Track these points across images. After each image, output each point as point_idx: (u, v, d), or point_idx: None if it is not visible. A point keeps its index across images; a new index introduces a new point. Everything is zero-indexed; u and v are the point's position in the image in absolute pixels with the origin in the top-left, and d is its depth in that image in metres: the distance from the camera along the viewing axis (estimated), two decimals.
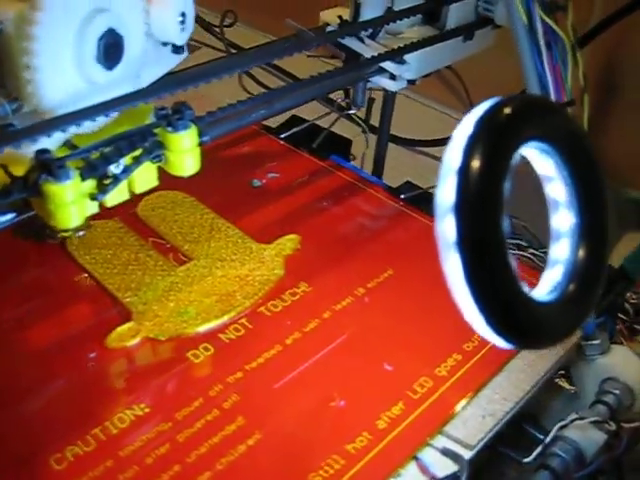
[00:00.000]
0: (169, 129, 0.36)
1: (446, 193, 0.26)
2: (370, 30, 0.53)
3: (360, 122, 0.62)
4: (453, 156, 0.27)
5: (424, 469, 0.37)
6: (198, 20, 1.10)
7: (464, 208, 0.26)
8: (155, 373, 0.41)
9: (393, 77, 0.53)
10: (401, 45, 0.51)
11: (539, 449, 0.41)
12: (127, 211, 0.50)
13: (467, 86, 0.92)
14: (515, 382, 0.42)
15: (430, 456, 0.38)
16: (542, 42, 0.46)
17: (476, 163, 0.26)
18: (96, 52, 0.35)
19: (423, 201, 0.53)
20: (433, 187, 0.57)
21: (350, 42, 0.54)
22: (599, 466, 0.43)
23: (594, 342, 0.47)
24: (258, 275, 0.46)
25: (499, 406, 0.40)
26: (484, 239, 0.26)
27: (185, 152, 0.36)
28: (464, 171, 0.26)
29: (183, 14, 0.39)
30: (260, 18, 1.08)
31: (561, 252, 0.31)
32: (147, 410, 0.38)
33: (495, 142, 0.27)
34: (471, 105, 0.50)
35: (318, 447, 0.37)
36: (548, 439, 0.42)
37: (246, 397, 0.39)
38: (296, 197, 0.53)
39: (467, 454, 0.38)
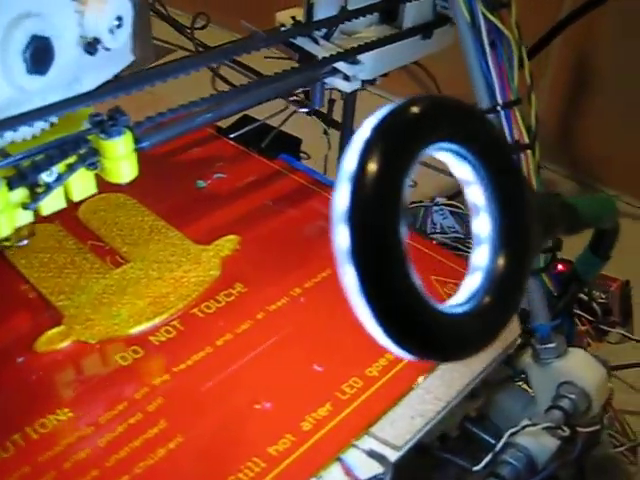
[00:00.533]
0: (102, 136, 0.35)
1: (340, 200, 0.24)
2: (324, 30, 0.52)
3: (321, 122, 0.62)
4: (348, 161, 0.25)
5: (347, 471, 0.36)
6: (172, 22, 1.10)
7: (356, 217, 0.24)
8: (82, 377, 0.40)
9: (347, 78, 0.52)
10: (355, 45, 0.50)
11: (489, 457, 0.40)
12: (68, 214, 0.50)
13: (439, 84, 0.91)
14: (448, 381, 0.41)
15: (355, 457, 0.37)
16: (486, 40, 0.45)
17: (370, 169, 0.24)
18: (23, 58, 0.33)
19: None
20: None
21: (304, 43, 0.52)
22: (551, 473, 0.42)
23: (549, 345, 0.45)
24: (193, 276, 0.46)
25: (430, 406, 0.40)
26: (378, 250, 0.24)
27: (120, 159, 0.36)
28: (357, 177, 0.24)
29: (119, 17, 0.38)
30: (233, 20, 1.07)
31: (481, 259, 0.29)
32: (70, 414, 0.38)
33: (393, 146, 0.25)
34: None
35: (239, 450, 0.37)
36: (498, 446, 0.41)
37: (171, 400, 0.39)
38: (240, 198, 0.52)
39: (393, 455, 0.37)
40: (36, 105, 0.35)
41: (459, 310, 0.28)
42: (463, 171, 0.28)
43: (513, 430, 0.41)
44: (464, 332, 0.28)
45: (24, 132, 0.35)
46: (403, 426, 0.38)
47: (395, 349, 0.26)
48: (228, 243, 0.48)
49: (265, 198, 0.53)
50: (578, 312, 0.59)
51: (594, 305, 0.62)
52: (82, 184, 0.36)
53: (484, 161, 0.28)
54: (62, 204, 0.36)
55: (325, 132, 0.62)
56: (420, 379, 0.41)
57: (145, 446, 0.37)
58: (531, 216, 0.29)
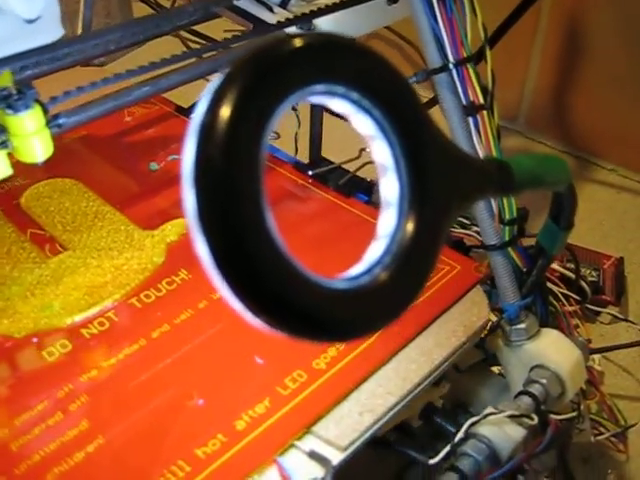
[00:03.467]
0: (8, 111, 0.32)
1: (185, 159, 0.20)
2: None
3: None
4: (196, 113, 0.20)
5: (284, 474, 0.33)
6: (153, 5, 1.06)
7: (201, 177, 0.20)
8: (1, 374, 0.37)
9: None
10: (310, 10, 0.46)
11: (447, 449, 0.37)
12: (10, 202, 0.47)
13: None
14: (403, 374, 0.37)
15: (293, 459, 0.33)
16: None
17: (219, 119, 0.20)
18: None
19: (334, 177, 0.49)
20: (346, 162, 0.53)
21: (258, 11, 0.49)
22: (516, 465, 0.38)
23: (519, 326, 0.42)
24: (135, 264, 0.42)
25: (381, 401, 0.36)
26: (230, 217, 0.20)
27: (29, 136, 0.32)
28: (203, 130, 0.20)
29: None
30: None
31: (386, 225, 0.24)
32: None
33: (247, 91, 0.20)
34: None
35: (163, 453, 0.33)
36: (457, 437, 0.37)
37: (96, 398, 0.35)
38: None
39: (337, 457, 0.33)
40: None
41: (347, 285, 0.22)
42: (362, 123, 0.24)
43: (474, 419, 0.38)
44: (343, 312, 0.22)
45: None
46: (349, 424, 0.35)
47: (264, 329, 0.22)
48: (175, 227, 0.44)
49: None
50: (565, 292, 0.56)
51: (583, 284, 0.60)
52: None
53: (384, 110, 0.23)
54: None
55: (293, 108, 0.58)
56: (371, 372, 0.37)
57: (61, 450, 0.33)
58: (447, 174, 0.25)
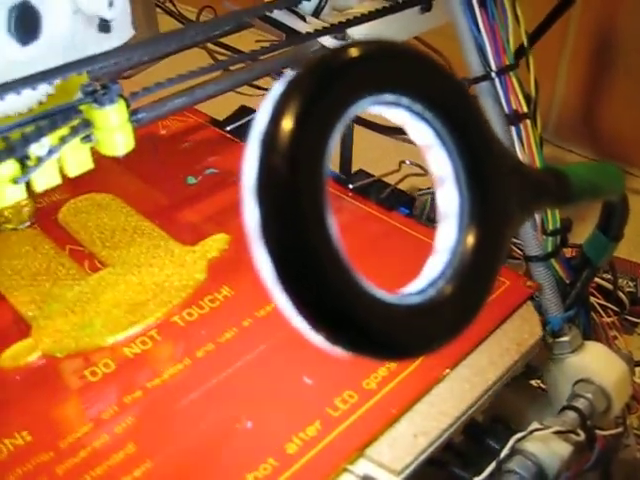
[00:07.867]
0: (94, 105, 0.33)
1: (248, 170, 0.19)
2: (314, 7, 0.48)
3: None
4: (258, 120, 0.20)
5: None
6: (178, 17, 1.05)
7: (265, 188, 0.19)
8: (45, 395, 0.36)
9: None
10: (343, 20, 0.45)
11: (492, 466, 0.36)
12: (48, 217, 0.46)
13: (454, 69, 0.86)
14: (458, 394, 0.36)
15: None
16: None
17: (285, 128, 0.19)
18: (7, 25, 0.31)
19: (374, 190, 0.48)
20: (386, 174, 0.52)
21: (291, 22, 0.48)
22: None
23: (563, 339, 0.42)
24: (176, 281, 0.41)
25: (435, 423, 0.34)
26: (295, 231, 0.19)
27: (113, 129, 0.33)
28: (267, 141, 0.19)
29: None
30: None
31: (446, 238, 0.23)
32: (29, 438, 0.34)
33: (314, 99, 0.20)
34: None
35: (213, 477, 0.32)
36: (503, 454, 0.36)
37: (142, 420, 0.35)
38: (232, 194, 0.48)
39: None
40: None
41: (411, 301, 0.22)
42: (420, 132, 0.23)
43: (520, 435, 0.37)
44: (409, 328, 0.22)
45: (15, 105, 0.33)
46: (403, 447, 0.33)
47: (325, 346, 0.21)
48: (216, 243, 0.44)
49: None
50: (603, 303, 0.56)
51: (620, 294, 0.59)
52: (77, 159, 0.33)
53: (446, 121, 0.23)
54: (57, 180, 0.33)
55: None
56: (424, 392, 0.35)
57: (108, 473, 0.32)
58: (507, 185, 0.25)
